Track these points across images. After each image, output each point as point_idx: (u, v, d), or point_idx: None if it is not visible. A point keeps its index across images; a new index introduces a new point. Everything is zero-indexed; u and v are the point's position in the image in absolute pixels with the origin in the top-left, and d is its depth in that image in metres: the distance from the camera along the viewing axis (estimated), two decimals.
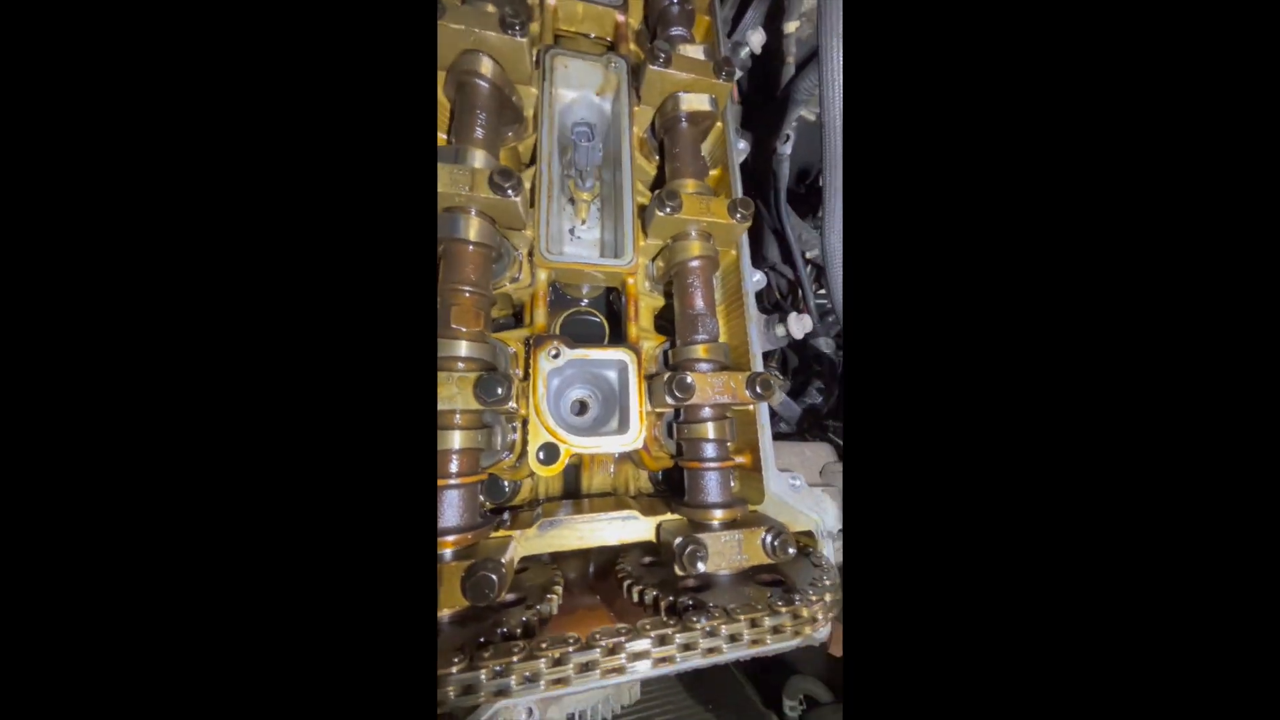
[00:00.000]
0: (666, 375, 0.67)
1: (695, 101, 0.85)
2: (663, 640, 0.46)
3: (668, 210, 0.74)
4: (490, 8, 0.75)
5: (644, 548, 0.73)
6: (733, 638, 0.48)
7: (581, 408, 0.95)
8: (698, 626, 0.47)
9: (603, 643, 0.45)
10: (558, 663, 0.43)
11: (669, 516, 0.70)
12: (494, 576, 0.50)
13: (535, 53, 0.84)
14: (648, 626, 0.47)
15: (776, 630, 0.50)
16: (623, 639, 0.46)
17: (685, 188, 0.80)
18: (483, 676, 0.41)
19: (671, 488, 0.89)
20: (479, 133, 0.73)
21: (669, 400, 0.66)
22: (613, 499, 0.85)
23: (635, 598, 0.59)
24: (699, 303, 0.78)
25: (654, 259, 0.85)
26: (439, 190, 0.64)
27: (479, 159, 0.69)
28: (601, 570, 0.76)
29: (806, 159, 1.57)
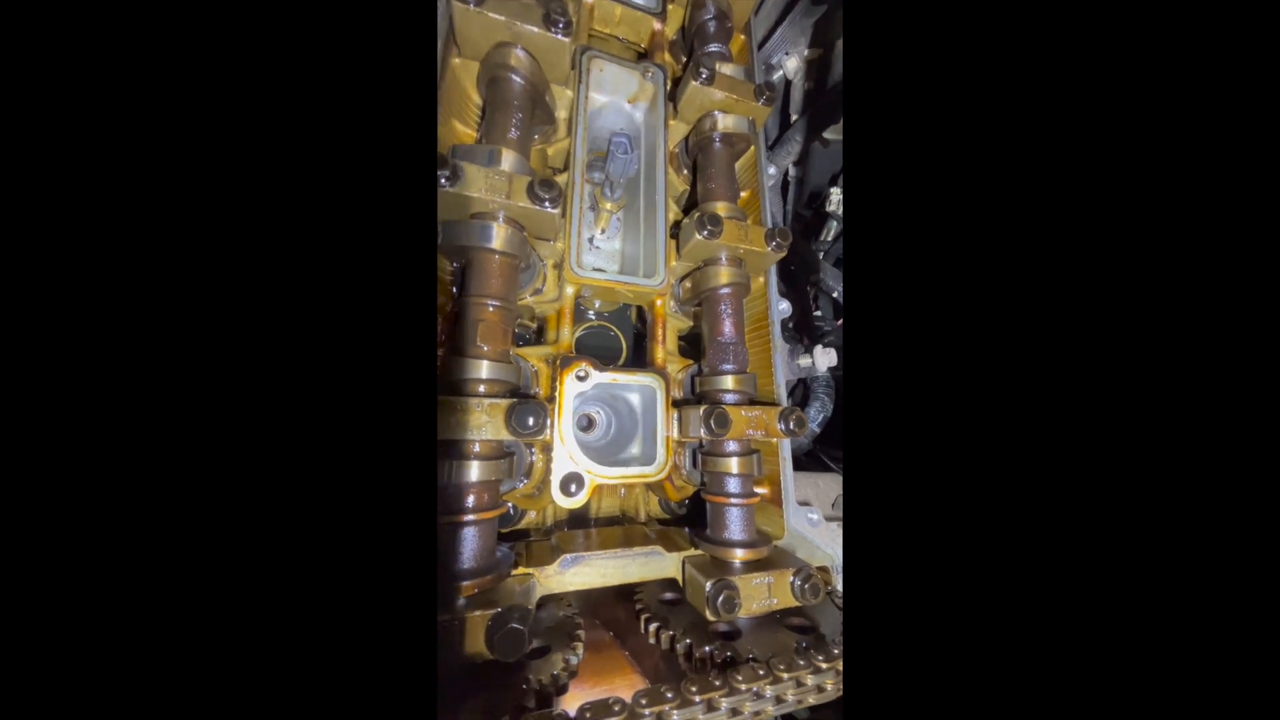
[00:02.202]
0: (703, 409, 0.65)
1: (732, 123, 0.84)
2: (710, 706, 0.44)
3: (706, 234, 0.71)
4: None
5: (661, 581, 0.70)
6: (779, 699, 0.46)
7: (588, 424, 0.91)
8: (743, 688, 0.45)
9: (648, 711, 0.42)
10: None
11: (692, 552, 0.67)
12: (522, 630, 0.46)
13: (574, 50, 0.79)
14: (694, 691, 0.44)
15: (820, 689, 0.49)
16: (669, 708, 0.43)
17: (719, 210, 0.78)
18: None
19: (688, 515, 0.86)
20: (513, 133, 0.68)
21: (703, 433, 0.64)
22: (626, 528, 0.81)
23: (661, 642, 0.56)
24: (729, 330, 0.76)
25: (681, 280, 0.83)
26: (471, 194, 0.58)
27: (510, 161, 0.64)
28: (612, 599, 0.73)
29: (817, 182, 1.59)
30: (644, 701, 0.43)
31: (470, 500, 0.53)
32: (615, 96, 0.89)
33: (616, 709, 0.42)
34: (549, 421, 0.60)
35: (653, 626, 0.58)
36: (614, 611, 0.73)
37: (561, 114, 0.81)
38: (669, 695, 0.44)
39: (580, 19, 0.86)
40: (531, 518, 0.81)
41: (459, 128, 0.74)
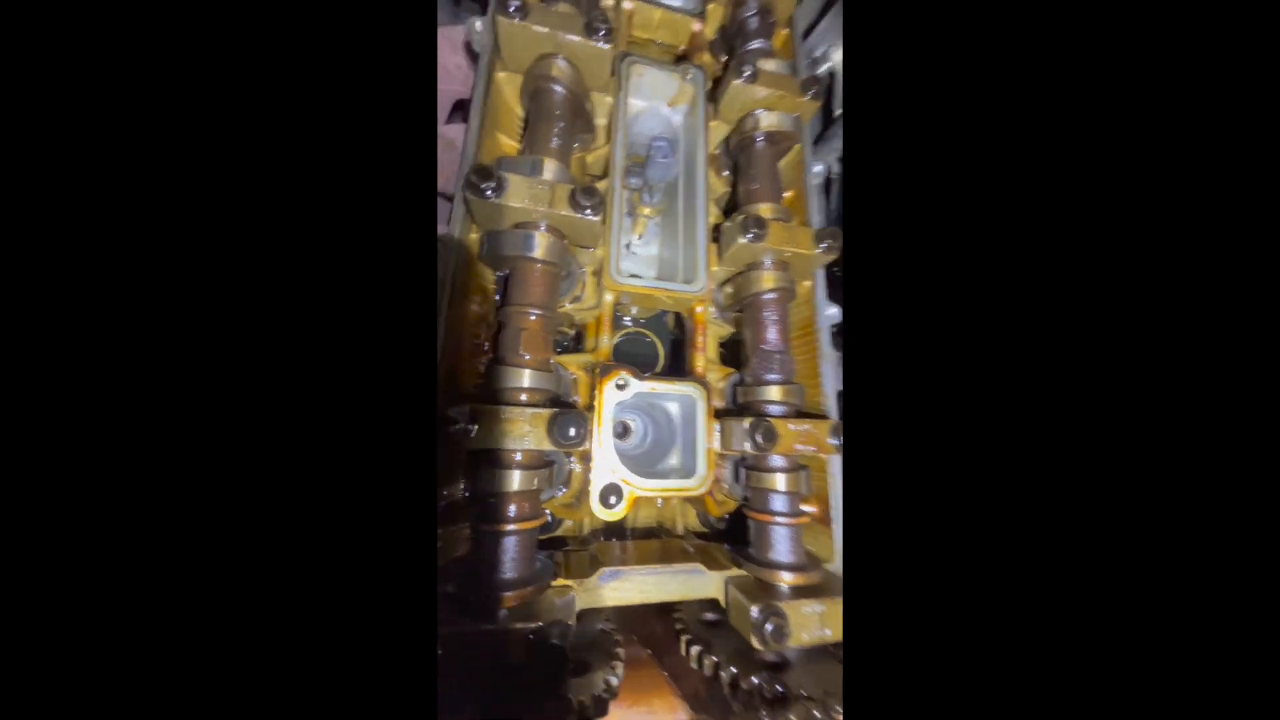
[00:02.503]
0: (749, 421, 0.61)
1: (776, 120, 0.80)
2: None
3: (750, 237, 0.68)
4: (564, 6, 0.71)
5: (701, 601, 0.67)
6: None
7: (623, 431, 0.89)
8: None
9: None
10: None
11: (735, 572, 0.64)
12: (564, 647, 0.45)
13: (613, 57, 0.79)
14: None
15: None
16: None
17: (763, 211, 0.74)
18: None
19: (727, 530, 0.83)
20: (554, 143, 0.68)
21: (747, 447, 0.61)
22: (664, 542, 0.79)
23: (704, 667, 0.53)
24: (774, 337, 0.72)
25: (722, 285, 0.80)
26: (515, 204, 0.59)
27: (552, 170, 0.64)
28: (648, 611, 0.70)
29: None
30: None
31: (512, 509, 0.53)
32: (654, 101, 0.88)
33: None
34: (587, 432, 0.59)
35: (694, 649, 0.56)
36: (651, 626, 0.71)
37: (600, 121, 0.81)
38: None
39: (620, 25, 0.86)
40: (568, 526, 0.81)
41: (503, 140, 0.76)
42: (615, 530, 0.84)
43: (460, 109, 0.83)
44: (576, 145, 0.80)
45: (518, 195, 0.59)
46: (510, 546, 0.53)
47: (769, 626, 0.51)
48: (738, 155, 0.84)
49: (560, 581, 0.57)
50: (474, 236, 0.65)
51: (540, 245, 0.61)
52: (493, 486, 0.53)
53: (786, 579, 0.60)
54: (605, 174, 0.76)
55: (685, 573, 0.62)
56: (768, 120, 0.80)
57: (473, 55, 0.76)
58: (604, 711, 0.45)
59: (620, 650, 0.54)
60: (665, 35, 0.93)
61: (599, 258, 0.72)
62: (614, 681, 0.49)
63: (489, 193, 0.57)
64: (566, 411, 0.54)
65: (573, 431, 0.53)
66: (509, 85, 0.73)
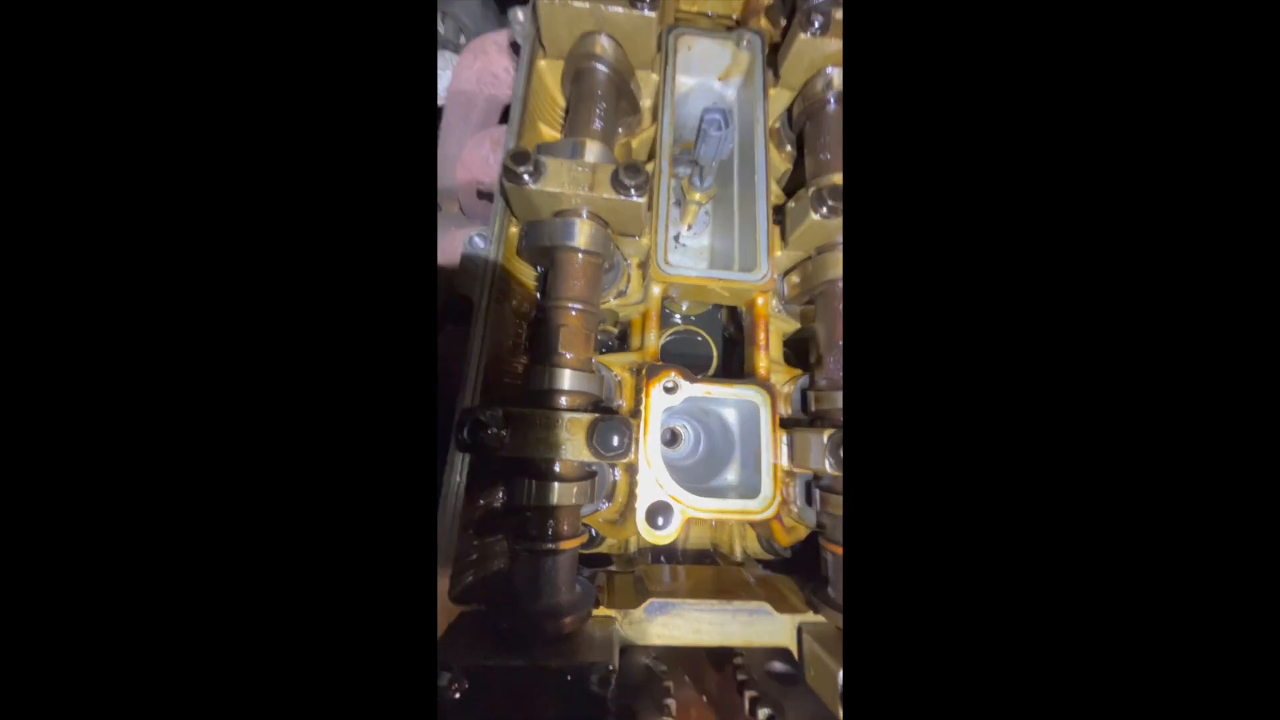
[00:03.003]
0: (828, 434, 0.50)
1: None
2: None
3: (825, 211, 0.57)
4: None
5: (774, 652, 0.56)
6: None
7: (672, 438, 0.81)
8: None
9: None
10: None
11: (810, 617, 0.53)
12: (605, 695, 0.38)
13: (659, 31, 0.73)
14: None
15: None
16: None
17: (839, 181, 0.62)
18: None
19: (796, 560, 0.71)
20: (597, 124, 0.63)
21: (827, 466, 0.49)
22: (721, 571, 0.69)
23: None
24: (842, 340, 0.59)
25: (787, 273, 0.69)
26: (555, 190, 0.54)
27: (594, 152, 0.59)
28: (702, 652, 0.61)
29: None
30: None
31: (550, 528, 0.48)
32: (705, 76, 0.80)
33: None
34: (632, 441, 0.52)
35: (762, 713, 0.45)
36: (706, 670, 0.61)
37: (646, 102, 0.74)
38: None
39: None
40: (612, 543, 0.74)
41: (545, 131, 0.73)
42: (665, 550, 0.76)
43: (507, 107, 0.82)
44: (621, 130, 0.75)
45: (556, 179, 0.54)
46: (547, 568, 0.47)
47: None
48: (804, 124, 0.73)
49: (602, 611, 0.50)
50: (514, 231, 0.62)
51: (581, 233, 0.56)
52: (527, 499, 0.48)
53: None
54: (651, 157, 0.69)
55: (749, 612, 0.52)
56: (840, 78, 0.68)
57: (515, 48, 0.74)
58: None
59: (671, 701, 0.45)
60: (716, 6, 0.85)
61: (644, 247, 0.65)
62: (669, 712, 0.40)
63: (526, 177, 0.53)
64: (608, 418, 0.47)
65: (616, 441, 0.46)
66: (550, 73, 0.70)
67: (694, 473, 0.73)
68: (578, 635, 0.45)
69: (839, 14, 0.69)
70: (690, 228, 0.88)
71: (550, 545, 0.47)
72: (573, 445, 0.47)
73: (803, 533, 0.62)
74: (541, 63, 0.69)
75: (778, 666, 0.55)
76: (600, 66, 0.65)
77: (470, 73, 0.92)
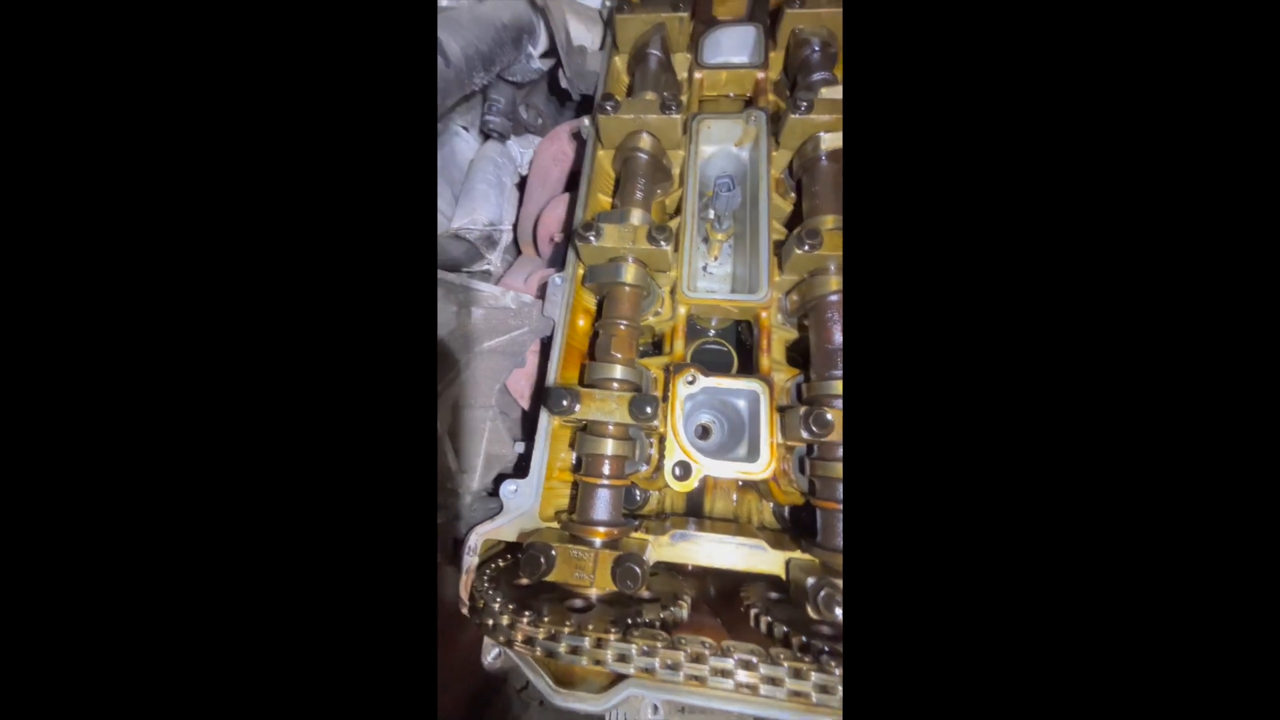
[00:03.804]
0: (803, 410, 0.68)
1: (837, 141, 0.87)
2: (798, 674, 0.46)
3: (806, 248, 0.76)
4: (650, 95, 0.93)
5: (768, 583, 0.72)
6: None
7: (704, 432, 1.00)
8: (836, 674, 0.46)
9: (736, 656, 0.48)
10: (695, 660, 0.48)
11: (798, 555, 0.68)
12: (638, 570, 0.58)
13: (684, 121, 0.98)
14: (782, 657, 0.48)
15: None
16: (757, 661, 0.47)
17: (824, 224, 0.81)
18: (634, 650, 0.48)
19: (799, 527, 0.85)
20: (638, 195, 0.89)
21: (804, 435, 0.67)
22: (735, 525, 0.86)
23: (763, 628, 0.59)
24: (837, 338, 0.76)
25: (788, 293, 0.87)
26: (610, 245, 0.80)
27: (637, 217, 0.84)
28: (722, 597, 0.78)
29: None
30: (732, 649, 0.49)
31: (606, 469, 0.71)
32: (723, 144, 1.03)
33: (708, 645, 0.48)
34: (661, 415, 0.73)
35: (753, 612, 0.62)
36: (728, 608, 0.78)
37: (676, 170, 0.99)
38: (759, 652, 0.48)
39: (692, 91, 1.06)
40: (652, 505, 0.94)
41: (602, 199, 1.00)
42: (694, 514, 0.94)
43: (574, 179, 1.12)
44: (659, 192, 1.00)
45: (610, 238, 0.80)
46: (603, 497, 0.70)
47: (821, 594, 0.55)
48: (801, 176, 0.92)
49: (639, 535, 0.71)
50: (580, 271, 0.89)
51: (627, 273, 0.81)
52: (589, 450, 0.72)
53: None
54: (678, 212, 0.93)
55: (749, 547, 0.70)
56: (828, 141, 0.87)
57: (580, 140, 1.04)
58: (669, 630, 0.56)
59: (686, 598, 0.64)
60: (733, 88, 1.09)
61: (674, 278, 0.88)
62: (679, 614, 0.59)
63: (591, 239, 0.79)
64: (641, 394, 0.70)
65: (648, 409, 0.68)
66: (605, 158, 0.98)
67: (718, 454, 0.92)
68: (622, 542, 0.67)
69: (827, 92, 0.88)
70: (716, 259, 1.10)
71: (605, 481, 0.70)
72: (619, 413, 0.70)
73: (798, 498, 0.78)
74: (600, 153, 0.98)
75: (773, 595, 0.71)
76: (641, 154, 0.91)
77: (548, 153, 1.26)
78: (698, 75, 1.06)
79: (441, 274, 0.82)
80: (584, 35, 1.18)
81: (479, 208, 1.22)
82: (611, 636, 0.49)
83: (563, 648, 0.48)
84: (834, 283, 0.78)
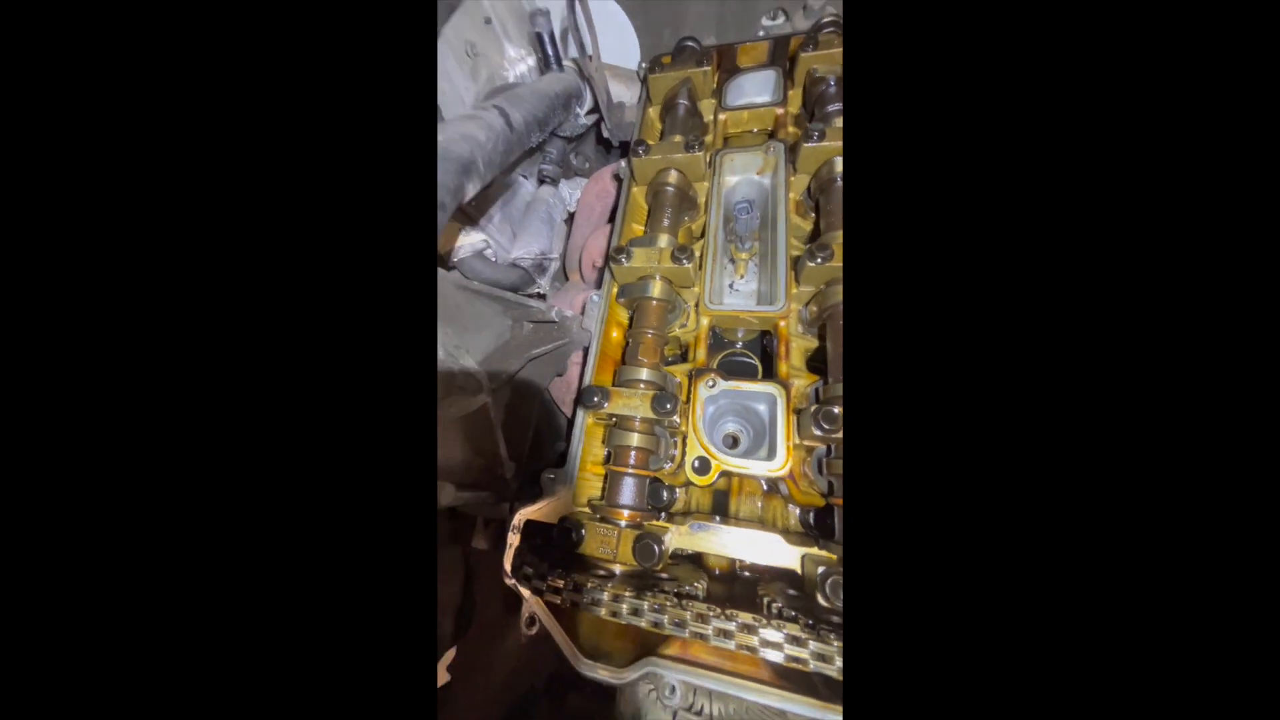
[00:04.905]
0: (814, 407, 0.72)
1: None
2: (796, 640, 0.49)
3: (819, 261, 0.82)
4: (678, 138, 1.07)
5: (788, 580, 0.74)
6: None
7: (733, 442, 1.05)
8: (835, 643, 0.48)
9: (738, 619, 0.52)
10: (700, 619, 0.53)
11: (815, 550, 0.70)
12: (656, 547, 0.65)
13: (709, 157, 1.11)
14: (781, 624, 0.51)
15: None
16: (756, 624, 0.51)
17: (836, 240, 0.86)
18: (645, 605, 0.54)
19: (822, 532, 0.86)
20: (665, 222, 1.01)
21: (816, 432, 0.70)
22: (759, 525, 0.89)
23: (775, 613, 0.62)
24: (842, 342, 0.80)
25: (807, 304, 0.92)
26: (639, 266, 0.92)
27: (664, 240, 0.96)
28: (743, 596, 0.80)
29: None
30: (733, 613, 0.53)
31: (632, 459, 0.79)
32: (747, 174, 1.14)
33: (714, 610, 0.53)
34: (679, 409, 0.81)
35: (765, 599, 0.65)
36: (746, 605, 0.81)
37: (702, 200, 1.11)
38: (759, 618, 0.51)
39: (716, 131, 1.19)
40: (679, 507, 1.00)
41: (635, 227, 1.14)
42: (720, 513, 0.98)
43: (614, 213, 1.28)
44: (687, 218, 1.12)
45: (640, 259, 0.92)
46: (629, 484, 0.78)
47: (829, 581, 0.58)
48: (818, 197, 0.99)
49: (659, 523, 0.78)
50: (615, 290, 1.02)
51: (654, 289, 0.92)
52: (617, 442, 0.81)
53: None
54: (703, 235, 1.04)
55: (766, 539, 0.73)
56: (840, 164, 0.94)
57: (619, 180, 1.20)
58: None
59: (702, 584, 0.69)
60: (755, 124, 1.20)
61: (698, 294, 0.98)
62: (695, 593, 0.64)
63: (624, 260, 0.92)
64: (662, 391, 0.78)
65: (668, 405, 0.76)
66: (640, 194, 1.13)
67: (745, 456, 0.96)
68: (642, 527, 0.74)
69: (839, 123, 0.96)
70: (742, 277, 1.18)
71: (632, 470, 0.78)
72: (642, 409, 0.79)
73: (818, 499, 0.80)
74: (635, 189, 1.13)
75: (790, 591, 0.73)
76: (669, 187, 1.04)
77: (592, 192, 1.44)
78: (722, 117, 1.19)
79: (500, 292, 0.99)
80: (623, 93, 1.38)
81: (532, 241, 1.42)
82: (627, 593, 0.56)
83: (585, 600, 0.55)
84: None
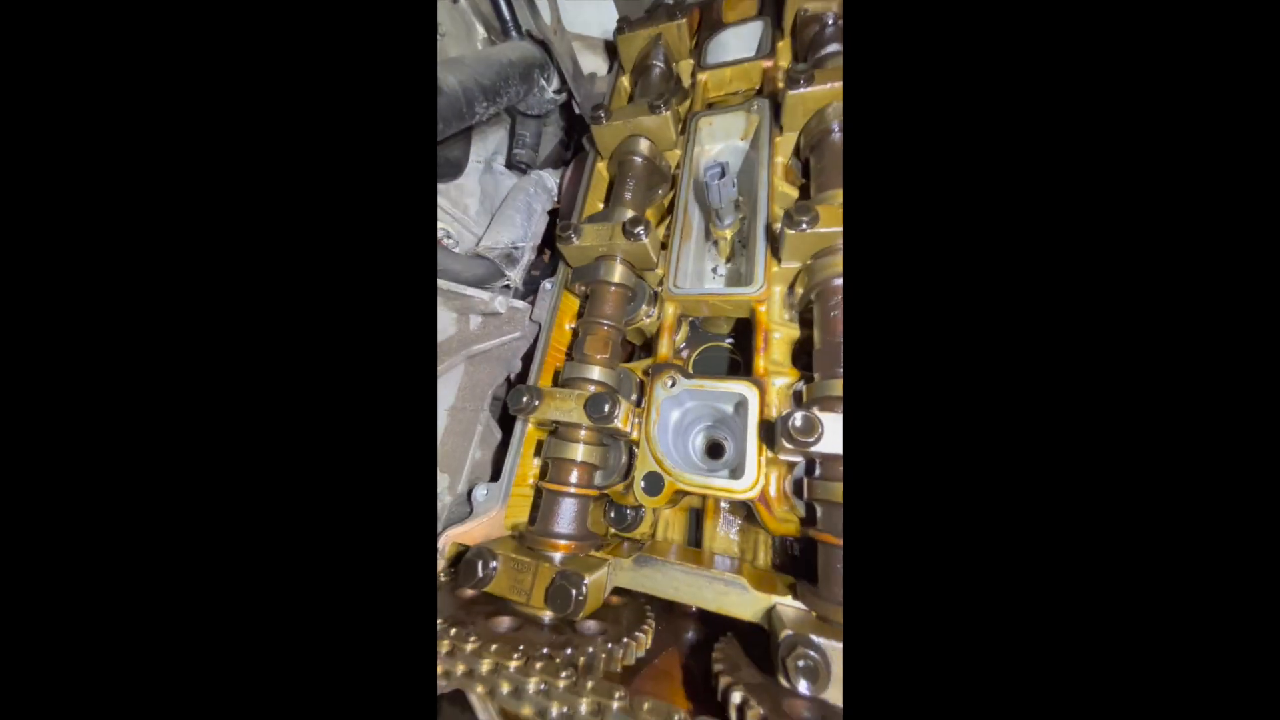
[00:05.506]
0: (786, 410, 0.55)
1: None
2: None
3: (802, 227, 0.65)
4: (641, 102, 0.92)
5: (759, 631, 0.58)
6: None
7: (717, 449, 0.88)
8: None
9: None
10: (596, 714, 0.38)
11: (788, 600, 0.53)
12: (572, 592, 0.51)
13: (681, 119, 0.96)
14: None
15: None
16: None
17: (833, 199, 0.69)
18: (530, 686, 0.40)
19: (806, 568, 0.68)
20: (627, 195, 0.87)
21: (786, 445, 0.54)
22: (727, 559, 0.72)
23: (718, 692, 0.46)
24: (843, 330, 0.62)
25: (793, 283, 0.75)
26: (587, 244, 0.78)
27: (624, 216, 0.81)
28: (706, 642, 0.64)
29: None
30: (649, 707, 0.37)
31: (572, 476, 0.65)
32: (729, 140, 0.98)
33: (618, 696, 0.38)
34: (621, 413, 0.66)
35: (720, 675, 0.49)
36: (700, 657, 0.64)
37: (676, 172, 0.96)
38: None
39: (696, 94, 1.03)
40: (644, 530, 0.84)
41: (598, 205, 1.01)
42: (694, 545, 0.82)
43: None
44: (660, 193, 0.97)
45: (590, 237, 0.78)
46: (564, 505, 0.64)
47: (794, 655, 0.41)
48: (809, 156, 0.82)
49: (603, 553, 0.63)
50: (568, 275, 0.88)
51: (607, 270, 0.78)
52: (553, 453, 0.67)
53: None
54: (670, 209, 0.89)
55: (725, 583, 0.57)
56: (836, 110, 0.76)
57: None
58: (590, 671, 0.47)
59: (643, 634, 0.54)
60: (739, 83, 1.04)
61: (661, 275, 0.83)
62: (621, 654, 0.49)
63: (572, 237, 0.78)
64: (600, 393, 0.64)
65: (605, 408, 0.62)
66: (604, 167, 0.99)
67: (724, 472, 0.80)
68: (575, 560, 0.59)
69: (834, 64, 0.79)
70: (728, 260, 1.01)
71: (571, 489, 0.64)
72: (576, 413, 0.65)
73: (795, 527, 0.63)
74: (600, 164, 0.99)
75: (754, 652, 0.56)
76: (635, 157, 0.90)
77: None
78: (702, 77, 1.04)
79: (441, 283, 0.88)
80: (595, 64, 1.25)
81: (504, 231, 1.31)
82: (512, 664, 0.42)
83: (459, 668, 0.42)
84: (839, 264, 0.65)
